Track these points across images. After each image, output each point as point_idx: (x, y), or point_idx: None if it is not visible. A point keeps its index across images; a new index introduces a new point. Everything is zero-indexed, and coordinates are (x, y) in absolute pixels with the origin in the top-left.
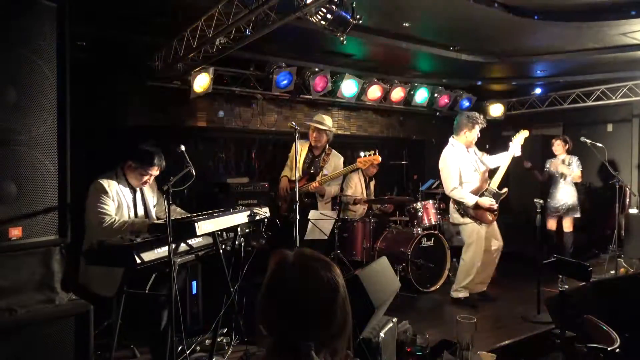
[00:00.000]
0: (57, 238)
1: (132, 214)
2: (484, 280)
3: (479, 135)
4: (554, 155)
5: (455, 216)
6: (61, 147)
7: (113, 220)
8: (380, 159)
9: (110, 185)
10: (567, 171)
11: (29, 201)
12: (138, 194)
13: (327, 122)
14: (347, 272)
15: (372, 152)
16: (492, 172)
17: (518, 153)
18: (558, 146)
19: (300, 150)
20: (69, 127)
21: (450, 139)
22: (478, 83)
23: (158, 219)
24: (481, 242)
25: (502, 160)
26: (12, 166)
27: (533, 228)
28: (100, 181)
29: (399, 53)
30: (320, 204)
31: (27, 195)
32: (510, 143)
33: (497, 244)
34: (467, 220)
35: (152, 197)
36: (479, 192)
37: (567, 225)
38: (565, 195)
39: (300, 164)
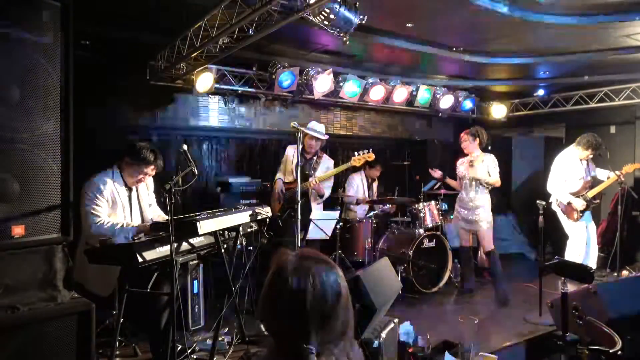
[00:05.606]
0: (60, 236)
1: (127, 214)
2: None
3: (591, 156)
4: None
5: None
6: (64, 146)
7: (103, 222)
8: (373, 156)
9: (105, 184)
10: (481, 175)
11: (32, 199)
12: (134, 193)
13: (320, 129)
14: (348, 272)
15: (367, 150)
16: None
17: (610, 176)
18: (466, 142)
19: (294, 154)
20: (72, 126)
21: (571, 146)
22: (481, 84)
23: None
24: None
25: (602, 176)
26: (15, 165)
27: (535, 229)
28: (95, 180)
29: (401, 53)
30: (314, 204)
31: (30, 193)
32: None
33: None
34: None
35: (147, 197)
36: (576, 195)
37: (486, 243)
38: (479, 203)
39: (292, 167)
